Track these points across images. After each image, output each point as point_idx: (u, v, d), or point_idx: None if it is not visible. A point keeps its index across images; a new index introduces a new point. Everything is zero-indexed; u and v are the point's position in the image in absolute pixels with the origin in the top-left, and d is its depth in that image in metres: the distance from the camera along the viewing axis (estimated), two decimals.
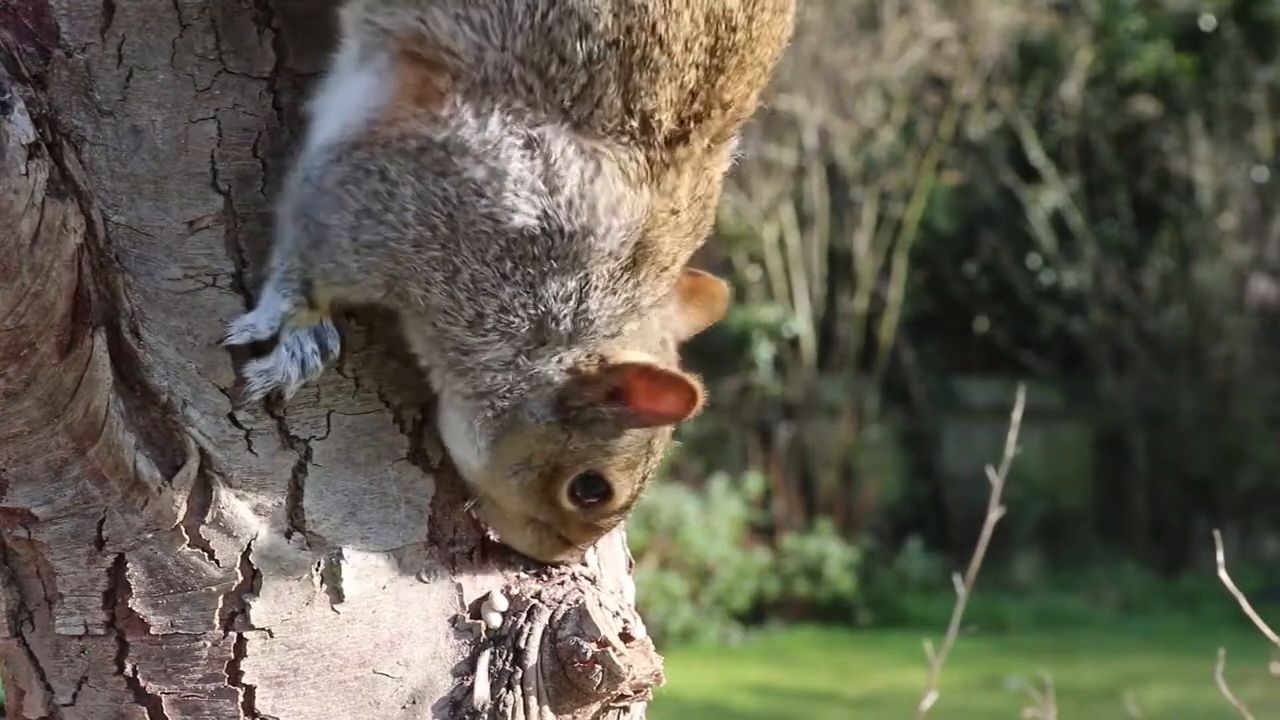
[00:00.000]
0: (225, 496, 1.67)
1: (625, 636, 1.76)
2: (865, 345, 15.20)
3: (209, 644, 1.68)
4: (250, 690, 1.68)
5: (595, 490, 1.72)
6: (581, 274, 1.61)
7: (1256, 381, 15.54)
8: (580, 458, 1.70)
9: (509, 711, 1.72)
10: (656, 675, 1.78)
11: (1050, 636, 12.52)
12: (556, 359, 1.64)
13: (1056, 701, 3.08)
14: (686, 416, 1.67)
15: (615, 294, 1.64)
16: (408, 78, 1.59)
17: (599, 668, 1.73)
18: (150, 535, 1.66)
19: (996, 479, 2.98)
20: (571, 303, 1.62)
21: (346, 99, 1.62)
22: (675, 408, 1.66)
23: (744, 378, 14.22)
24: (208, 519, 1.66)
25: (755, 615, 12.98)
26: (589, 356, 1.65)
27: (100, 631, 1.69)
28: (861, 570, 13.37)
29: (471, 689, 1.74)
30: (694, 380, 1.63)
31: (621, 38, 1.56)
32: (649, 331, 1.69)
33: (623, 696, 1.76)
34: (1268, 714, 3.84)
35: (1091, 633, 12.70)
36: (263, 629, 1.68)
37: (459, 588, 1.76)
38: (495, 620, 1.76)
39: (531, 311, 1.62)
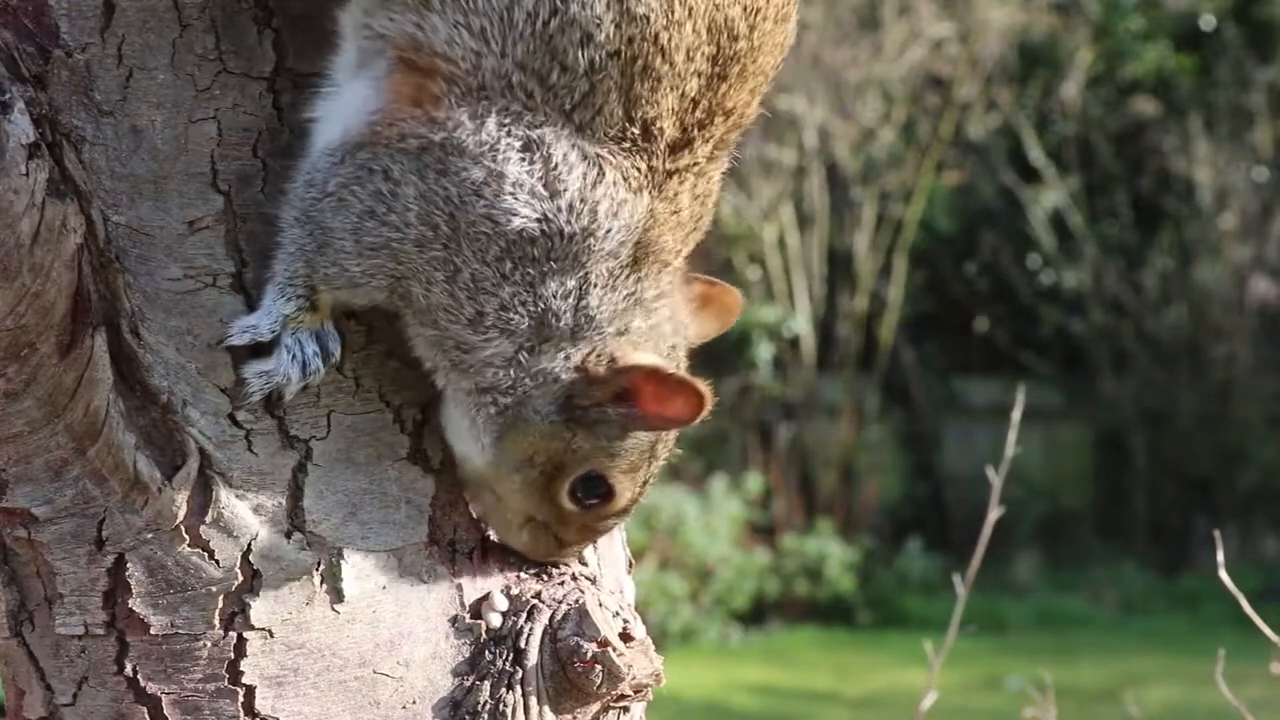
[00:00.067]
0: (225, 496, 1.67)
1: (625, 636, 1.77)
2: (865, 345, 15.20)
3: (209, 644, 1.68)
4: (250, 690, 1.68)
5: (596, 491, 1.73)
6: (581, 273, 1.62)
7: (1256, 381, 15.54)
8: (584, 457, 1.70)
9: (509, 711, 1.72)
10: (656, 675, 1.78)
11: (1050, 636, 12.52)
12: (563, 355, 1.64)
13: (1056, 701, 3.08)
14: (693, 421, 1.66)
15: (615, 290, 1.64)
16: (402, 85, 1.60)
17: (599, 668, 1.73)
18: (150, 535, 1.66)
19: (996, 479, 2.98)
20: (571, 300, 1.62)
21: (345, 105, 1.63)
22: (682, 412, 1.66)
23: (744, 378, 14.22)
24: (208, 519, 1.66)
25: (755, 615, 12.98)
26: (598, 356, 1.65)
27: (100, 631, 1.69)
28: (861, 570, 13.36)
29: (471, 689, 1.74)
30: (702, 385, 1.63)
31: (623, 48, 1.56)
32: (659, 334, 1.69)
33: (623, 696, 1.76)
34: (1268, 714, 3.84)
35: (1091, 633, 12.70)
36: (263, 629, 1.68)
37: (459, 588, 1.76)
38: (495, 620, 1.76)
39: (531, 309, 1.62)
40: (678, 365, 1.71)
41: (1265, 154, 15.67)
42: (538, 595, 1.77)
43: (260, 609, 1.68)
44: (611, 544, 1.90)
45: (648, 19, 1.56)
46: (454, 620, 1.75)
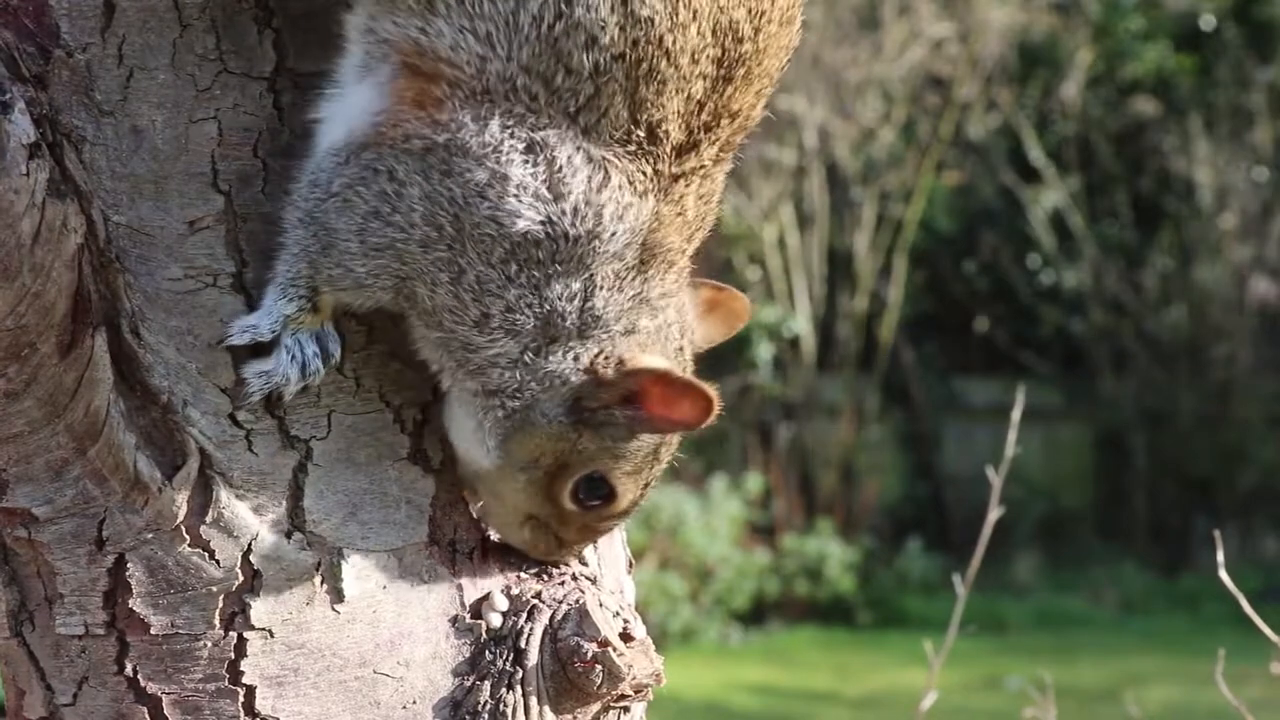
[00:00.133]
0: (225, 496, 1.67)
1: (625, 636, 1.77)
2: (865, 345, 15.20)
3: (209, 644, 1.68)
4: (250, 690, 1.68)
5: (599, 493, 1.73)
6: (586, 275, 1.62)
7: (1256, 381, 15.54)
8: (588, 459, 1.70)
9: (509, 711, 1.72)
10: (657, 675, 1.78)
11: (1050, 636, 12.52)
12: (571, 356, 1.65)
13: (1056, 701, 3.08)
14: (700, 425, 1.67)
15: (621, 291, 1.64)
16: (406, 89, 1.60)
17: (599, 668, 1.73)
18: (150, 535, 1.66)
19: (996, 479, 2.98)
20: (577, 301, 1.62)
21: (350, 107, 1.63)
22: (689, 415, 1.66)
23: (744, 378, 14.22)
24: (208, 519, 1.67)
25: (755, 615, 12.98)
26: (606, 358, 1.65)
27: (100, 631, 1.69)
28: (861, 570, 13.36)
29: (472, 689, 1.74)
30: (710, 389, 1.64)
31: (628, 51, 1.56)
32: (667, 336, 1.69)
33: (623, 696, 1.76)
34: (1268, 714, 3.84)
35: (1091, 633, 12.70)
36: (263, 629, 1.68)
37: (459, 588, 1.76)
38: (496, 620, 1.76)
39: (537, 311, 1.62)
40: (685, 368, 1.72)
41: (1265, 154, 15.67)
42: (538, 595, 1.77)
43: (260, 609, 1.68)
44: (612, 544, 1.90)
45: (652, 21, 1.56)
46: (454, 620, 1.75)
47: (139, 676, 1.68)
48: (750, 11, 1.61)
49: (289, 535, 1.69)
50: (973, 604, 3.94)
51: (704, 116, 1.62)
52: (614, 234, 1.61)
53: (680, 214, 1.65)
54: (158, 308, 1.66)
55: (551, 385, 1.65)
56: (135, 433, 1.65)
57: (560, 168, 1.59)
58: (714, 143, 1.64)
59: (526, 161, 1.59)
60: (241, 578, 1.67)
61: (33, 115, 1.59)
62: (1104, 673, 10.73)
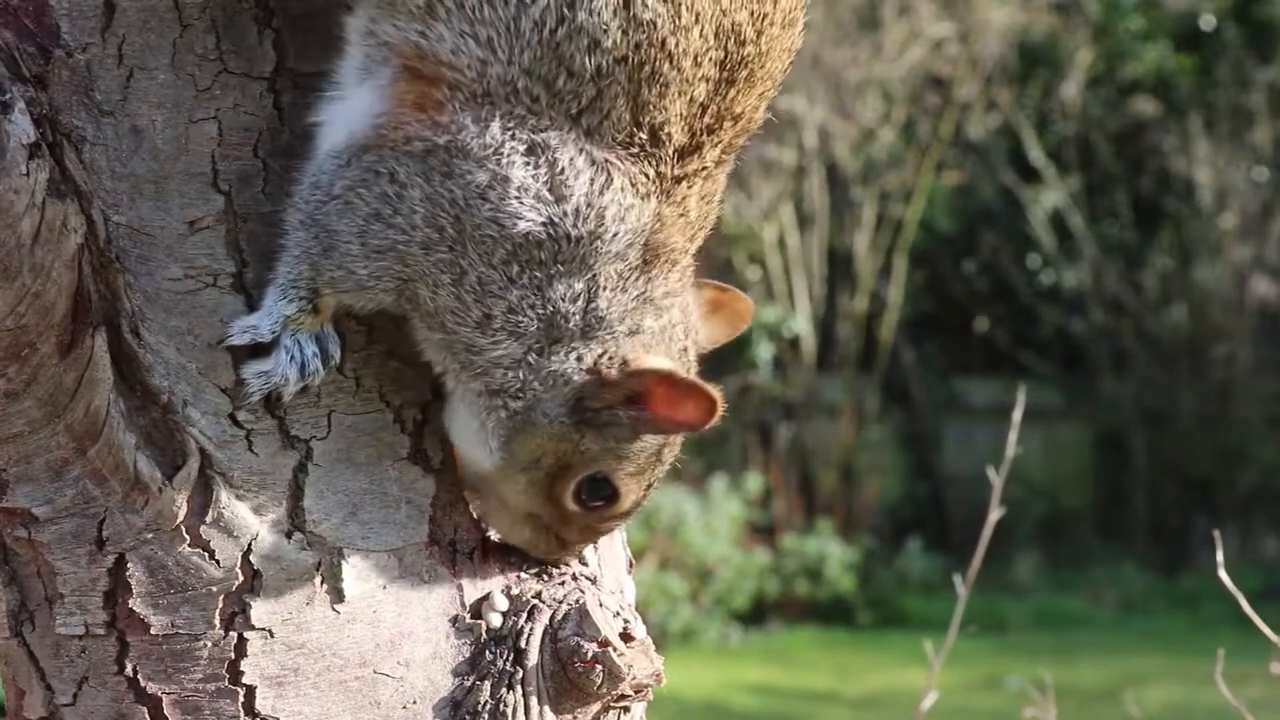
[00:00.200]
0: (226, 496, 1.67)
1: (626, 636, 1.77)
2: (865, 345, 15.20)
3: (209, 644, 1.68)
4: (251, 690, 1.68)
5: (601, 493, 1.73)
6: (589, 275, 1.62)
7: (1256, 381, 15.54)
8: (591, 459, 1.70)
9: (509, 711, 1.72)
10: (657, 675, 1.78)
11: (1050, 636, 12.52)
12: (575, 356, 1.65)
13: (1056, 701, 3.08)
14: (704, 426, 1.67)
15: (625, 291, 1.64)
16: (406, 93, 1.60)
17: (599, 668, 1.73)
18: (151, 535, 1.66)
19: (996, 479, 2.98)
20: (580, 302, 1.63)
21: (351, 109, 1.63)
22: (693, 416, 1.66)
23: (744, 378, 14.21)
24: (208, 519, 1.67)
25: (755, 615, 12.97)
26: (610, 358, 1.65)
27: (101, 631, 1.69)
28: (861, 570, 13.36)
29: (472, 689, 1.74)
30: (714, 390, 1.63)
31: (630, 54, 1.56)
32: (671, 336, 1.69)
33: (623, 696, 1.76)
34: (1268, 714, 3.84)
35: (1091, 633, 12.70)
36: (263, 629, 1.68)
37: (460, 588, 1.76)
38: (496, 620, 1.76)
39: (540, 312, 1.62)
40: (689, 369, 1.72)
41: (1265, 154, 15.66)
42: (538, 595, 1.77)
43: (261, 609, 1.68)
44: (612, 544, 1.90)
45: (655, 25, 1.56)
46: (454, 620, 1.75)
47: (139, 676, 1.68)
48: (752, 14, 1.61)
49: (289, 535, 1.69)
50: (973, 604, 3.94)
51: (707, 119, 1.62)
52: (616, 235, 1.61)
53: (683, 214, 1.65)
54: (158, 308, 1.66)
55: (554, 385, 1.65)
56: (135, 433, 1.65)
57: (562, 169, 1.59)
58: (716, 145, 1.64)
59: (528, 163, 1.59)
60: (241, 578, 1.67)
61: (33, 115, 1.59)
62: (1104, 673, 10.73)
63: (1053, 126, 16.07)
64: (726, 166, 1.69)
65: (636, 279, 1.64)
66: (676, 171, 1.63)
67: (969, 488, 14.47)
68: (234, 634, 1.68)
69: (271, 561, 1.68)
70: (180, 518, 1.66)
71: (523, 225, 1.59)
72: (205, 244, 1.66)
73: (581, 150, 1.59)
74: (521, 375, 1.65)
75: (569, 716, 1.75)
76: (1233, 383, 15.47)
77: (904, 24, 14.84)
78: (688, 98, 1.60)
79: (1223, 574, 2.59)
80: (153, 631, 1.68)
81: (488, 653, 1.75)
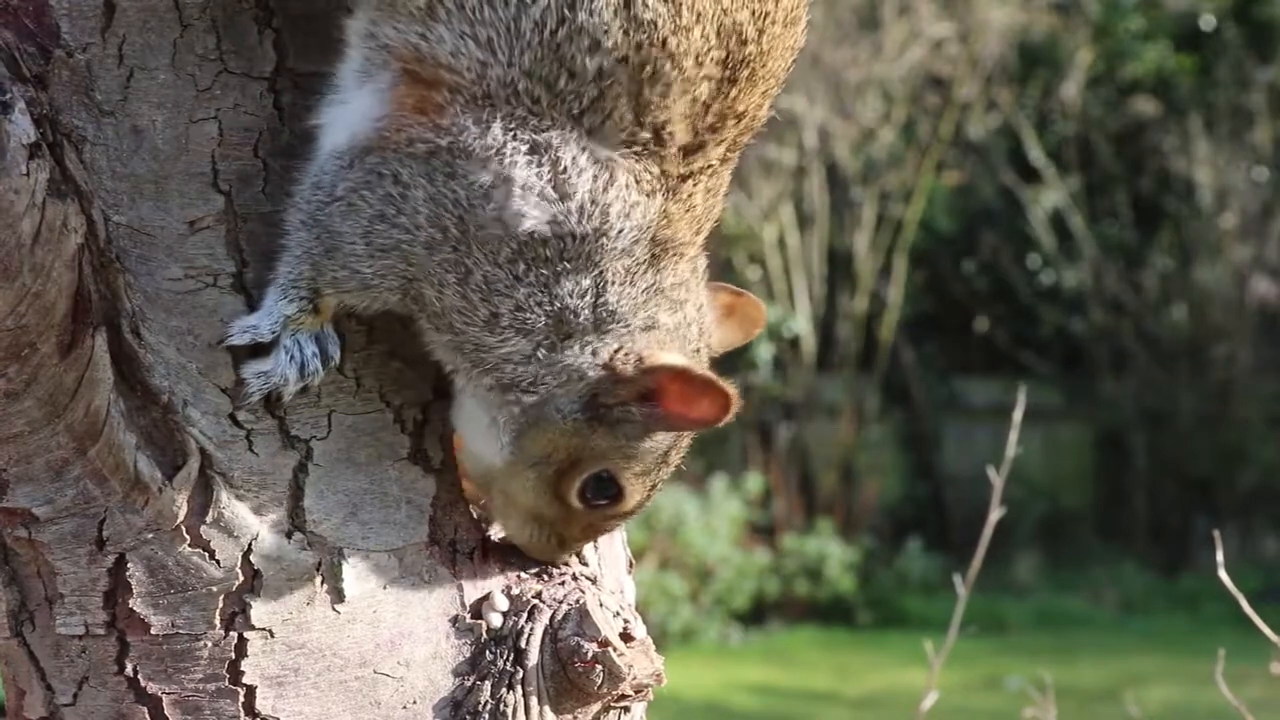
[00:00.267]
0: (226, 496, 1.67)
1: (626, 636, 1.77)
2: (865, 345, 15.20)
3: (210, 644, 1.68)
4: (251, 690, 1.68)
5: (607, 492, 1.73)
6: (596, 271, 1.62)
7: (1256, 381, 15.54)
8: (600, 456, 1.70)
9: (510, 711, 1.72)
10: (657, 675, 1.78)
11: (1050, 636, 12.52)
12: (590, 351, 1.65)
13: (1056, 701, 3.08)
14: (718, 423, 1.67)
15: (634, 285, 1.64)
16: (406, 97, 1.60)
17: (600, 668, 1.73)
18: (151, 535, 1.66)
19: (996, 479, 2.98)
20: (589, 298, 1.63)
21: (352, 112, 1.63)
22: (708, 413, 1.66)
23: (744, 378, 14.21)
24: (208, 519, 1.67)
25: (755, 615, 12.97)
26: (625, 354, 1.65)
27: (101, 631, 1.69)
28: (861, 570, 13.36)
29: (472, 689, 1.74)
30: (729, 387, 1.64)
31: (631, 54, 1.56)
32: (685, 336, 1.69)
33: (623, 696, 1.77)
34: (1268, 714, 3.84)
35: (1091, 633, 12.70)
36: (263, 629, 1.68)
37: (460, 588, 1.76)
38: (496, 620, 1.76)
39: (548, 309, 1.62)
40: (702, 367, 1.72)
41: (1265, 154, 15.66)
42: (538, 595, 1.77)
43: (261, 609, 1.68)
44: (612, 544, 1.90)
45: (655, 25, 1.56)
46: (455, 620, 1.75)
47: (139, 676, 1.68)
48: (754, 13, 1.61)
49: (289, 535, 1.69)
50: (973, 604, 3.93)
51: (710, 118, 1.62)
52: (621, 231, 1.61)
53: (689, 210, 1.66)
54: (158, 308, 1.66)
55: (569, 380, 1.66)
56: (135, 433, 1.65)
57: (565, 168, 1.59)
58: (720, 143, 1.65)
59: (530, 162, 1.59)
60: (242, 578, 1.67)
61: (33, 115, 1.59)
62: (1104, 673, 10.73)
63: (1053, 126, 16.07)
64: (731, 162, 1.69)
65: (645, 272, 1.65)
66: (681, 170, 1.63)
67: (969, 488, 14.47)
68: (234, 634, 1.68)
69: (272, 561, 1.68)
70: (180, 518, 1.66)
71: (527, 224, 1.59)
72: (205, 244, 1.66)
73: (584, 149, 1.59)
74: (533, 370, 1.65)
75: (569, 716, 1.75)
76: (1233, 383, 15.47)
77: (904, 24, 14.84)
78: (690, 97, 1.60)
79: (1223, 574, 2.59)
80: (153, 631, 1.68)
81: (488, 653, 1.75)
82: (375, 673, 1.72)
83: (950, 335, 16.40)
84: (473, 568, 1.77)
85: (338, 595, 1.70)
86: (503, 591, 1.77)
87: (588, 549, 1.84)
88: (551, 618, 1.75)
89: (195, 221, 1.66)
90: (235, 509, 1.67)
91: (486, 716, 1.72)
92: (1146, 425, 15.45)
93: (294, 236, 1.65)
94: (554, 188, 1.59)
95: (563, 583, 1.79)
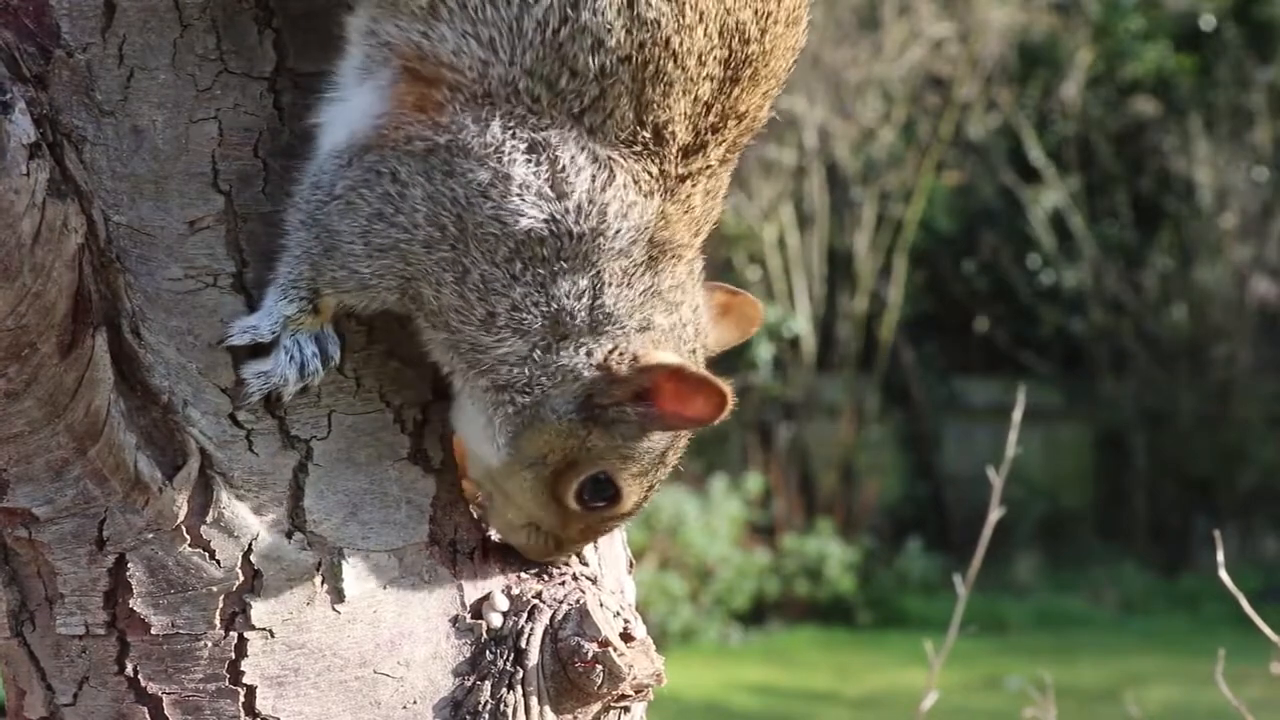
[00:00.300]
0: (226, 496, 1.67)
1: (626, 636, 1.77)
2: (865, 345, 15.20)
3: (210, 644, 1.68)
4: (251, 690, 1.68)
5: (604, 493, 1.73)
6: (593, 272, 1.62)
7: (1256, 381, 15.54)
8: (597, 457, 1.70)
9: (510, 711, 1.72)
10: (657, 675, 1.78)
11: (1050, 636, 12.52)
12: (585, 352, 1.64)
13: (1056, 701, 3.08)
14: (714, 421, 1.66)
15: (631, 287, 1.64)
16: (406, 94, 1.60)
17: (600, 668, 1.73)
18: (151, 535, 1.66)
19: (996, 479, 2.98)
20: (585, 299, 1.63)
21: (351, 110, 1.63)
22: (703, 411, 1.66)
23: (744, 378, 14.21)
24: (209, 519, 1.67)
25: (755, 615, 12.97)
26: (620, 354, 1.65)
27: (101, 631, 1.69)
28: (861, 570, 13.36)
29: (472, 689, 1.74)
30: (724, 385, 1.63)
31: (634, 53, 1.56)
32: (681, 336, 1.69)
33: (623, 696, 1.76)
34: (1268, 714, 3.84)
35: (1091, 633, 12.70)
36: (263, 629, 1.68)
37: (460, 588, 1.76)
38: (496, 620, 1.76)
39: (544, 309, 1.62)
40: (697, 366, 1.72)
41: (1265, 154, 15.66)
42: (538, 595, 1.77)
43: (261, 609, 1.68)
44: (612, 544, 1.90)
45: (659, 24, 1.56)
46: (455, 620, 1.75)
47: (139, 676, 1.68)
48: (756, 13, 1.61)
49: (289, 535, 1.69)
50: (973, 604, 3.94)
51: (711, 118, 1.62)
52: (619, 231, 1.61)
53: (687, 211, 1.65)
54: (158, 308, 1.66)
55: (564, 381, 1.65)
56: (136, 433, 1.65)
57: (563, 167, 1.59)
58: (721, 144, 1.65)
59: (529, 161, 1.59)
60: (242, 578, 1.67)
61: (33, 115, 1.59)
62: (1104, 673, 10.73)
63: (1053, 126, 16.07)
64: (731, 164, 1.69)
65: (642, 274, 1.64)
66: (680, 170, 1.63)
67: (969, 488, 14.47)
68: (234, 634, 1.68)
69: (272, 561, 1.68)
70: (180, 518, 1.66)
71: (524, 222, 1.59)
72: (205, 244, 1.66)
73: (583, 148, 1.59)
74: (528, 371, 1.65)
75: (569, 716, 1.75)
76: (1233, 383, 15.47)
77: (904, 24, 14.84)
78: (692, 97, 1.60)
79: (1223, 574, 2.59)
80: (153, 631, 1.68)
81: (488, 653, 1.75)
82: (375, 673, 1.72)
83: (950, 335, 16.40)
84: (473, 568, 1.77)
85: (338, 595, 1.70)
86: (503, 591, 1.77)
87: (588, 549, 1.84)
88: (552, 618, 1.75)
89: (195, 221, 1.66)
90: (235, 509, 1.67)
91: (486, 716, 1.72)
92: (1146, 425, 15.45)
93: (294, 236, 1.65)
94: (552, 186, 1.59)
95: (563, 583, 1.79)
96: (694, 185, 1.65)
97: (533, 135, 1.58)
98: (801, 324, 14.75)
